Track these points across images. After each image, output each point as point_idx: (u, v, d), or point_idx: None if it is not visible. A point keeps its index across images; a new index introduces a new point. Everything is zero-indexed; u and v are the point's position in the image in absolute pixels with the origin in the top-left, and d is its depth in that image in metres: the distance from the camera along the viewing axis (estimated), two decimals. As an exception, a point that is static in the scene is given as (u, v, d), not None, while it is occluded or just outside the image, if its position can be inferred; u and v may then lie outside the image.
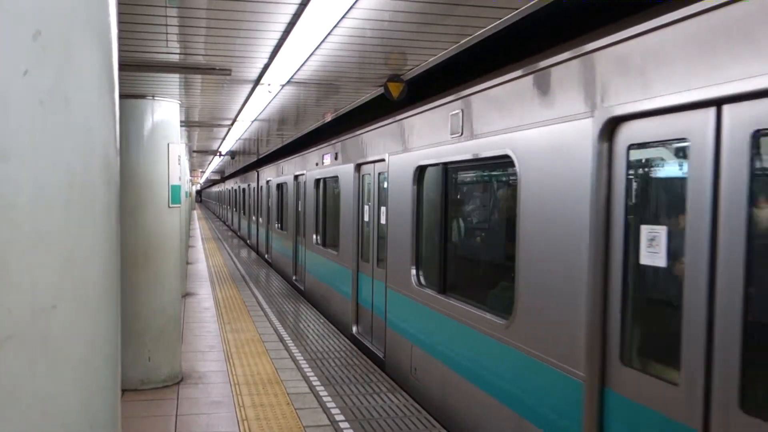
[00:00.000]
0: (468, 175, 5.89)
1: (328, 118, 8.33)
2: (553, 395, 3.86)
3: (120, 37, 4.49)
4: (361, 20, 3.97)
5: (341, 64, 5.26)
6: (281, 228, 14.93)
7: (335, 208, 9.48)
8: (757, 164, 2.60)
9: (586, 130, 3.52)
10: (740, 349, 2.62)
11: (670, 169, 3.22)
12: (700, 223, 2.84)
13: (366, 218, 8.02)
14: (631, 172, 3.32)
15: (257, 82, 5.96)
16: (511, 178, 4.70)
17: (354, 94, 6.76)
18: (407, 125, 6.38)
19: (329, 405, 5.84)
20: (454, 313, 5.29)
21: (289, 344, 8.11)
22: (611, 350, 3.36)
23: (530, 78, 4.12)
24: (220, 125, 10.02)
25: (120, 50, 4.84)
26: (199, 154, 18.70)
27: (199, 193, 79.87)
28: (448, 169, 5.68)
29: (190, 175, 29.39)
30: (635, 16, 3.23)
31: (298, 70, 5.37)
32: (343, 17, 3.85)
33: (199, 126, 10.37)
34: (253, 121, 9.26)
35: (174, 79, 5.88)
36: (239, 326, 9.17)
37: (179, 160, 6.65)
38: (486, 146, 4.73)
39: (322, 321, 9.56)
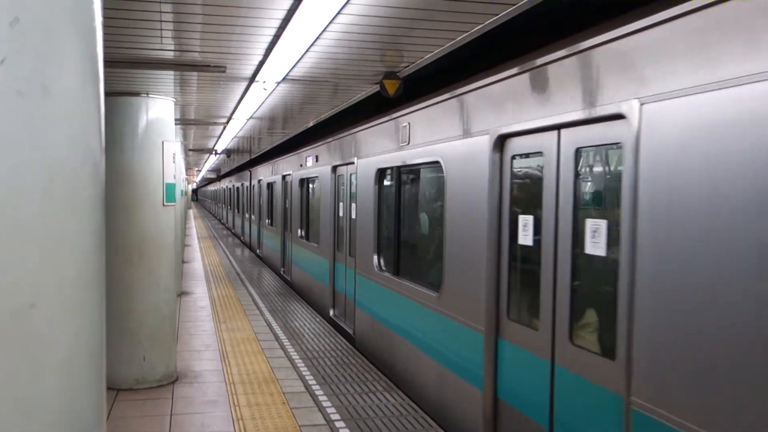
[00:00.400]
0: (412, 177, 6.92)
1: (311, 123, 8.93)
2: (465, 347, 5.11)
3: (114, 34, 4.45)
4: (356, 16, 3.93)
5: (337, 62, 5.22)
6: (271, 224, 16.32)
7: (316, 205, 10.73)
8: (579, 168, 3.83)
9: (485, 143, 4.67)
10: (569, 305, 3.84)
11: (535, 172, 4.32)
12: (549, 212, 4.00)
13: (341, 214, 9.13)
14: (514, 174, 4.52)
15: (252, 79, 5.91)
16: (441, 180, 5.61)
17: (350, 92, 6.72)
18: (372, 133, 7.52)
19: (325, 404, 5.81)
20: (404, 290, 6.52)
21: (284, 343, 8.08)
22: (501, 309, 4.61)
23: (453, 101, 5.27)
24: (215, 123, 9.97)
25: (114, 47, 4.81)
26: (195, 152, 18.63)
27: (195, 191, 79.73)
28: (400, 171, 6.87)
29: (186, 174, 29.34)
30: (526, 59, 4.24)
31: (294, 67, 5.33)
32: (338, 13, 3.81)
33: (195, 124, 10.32)
34: (248, 120, 9.22)
35: (169, 77, 5.83)
36: (235, 325, 9.13)
37: (174, 158, 6.61)
38: (425, 153, 5.87)
39: (318, 320, 9.53)
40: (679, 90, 2.92)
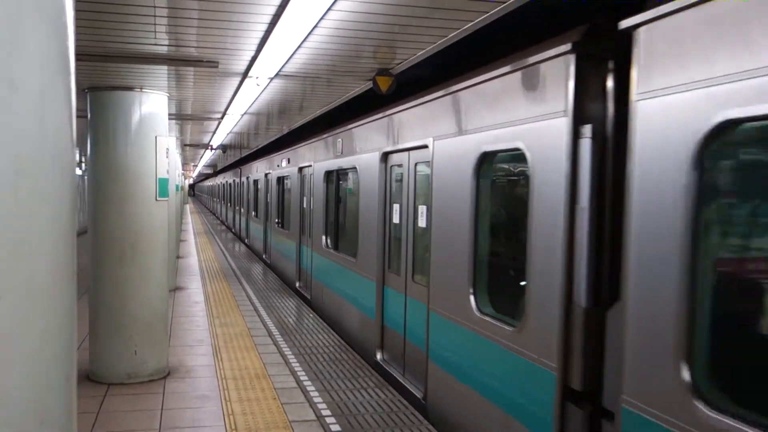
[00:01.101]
0: (343, 178, 9.26)
1: (304, 120, 9.89)
2: (368, 294, 7.41)
3: (107, 28, 4.44)
4: (348, 12, 3.93)
5: (329, 58, 5.22)
6: (256, 216, 18.86)
7: (288, 199, 13.14)
8: (417, 174, 6.21)
9: (377, 157, 7.14)
10: (413, 258, 6.27)
11: (400, 176, 6.71)
12: (408, 202, 6.42)
13: (305, 206, 11.34)
14: (393, 179, 6.92)
15: (245, 74, 5.91)
16: (357, 181, 7.93)
17: (343, 89, 6.72)
18: (323, 144, 9.85)
19: (316, 400, 5.82)
20: (339, 260, 8.89)
21: (277, 339, 8.09)
22: (386, 266, 7.06)
23: (366, 125, 7.61)
24: (210, 119, 9.95)
25: (107, 41, 4.80)
26: (191, 147, 18.61)
27: (192, 187, 79.59)
28: (338, 173, 9.32)
29: (183, 169, 29.26)
30: (416, 95, 6.03)
31: (286, 63, 5.33)
32: (329, 9, 3.81)
33: (191, 119, 10.30)
34: (242, 115, 9.21)
35: (162, 71, 5.82)
36: (228, 320, 9.14)
37: (167, 152, 6.60)
38: (349, 162, 8.31)
39: (312, 315, 9.54)
40: (443, 135, 5.37)
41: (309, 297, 10.67)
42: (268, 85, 6.40)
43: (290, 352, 7.44)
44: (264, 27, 4.25)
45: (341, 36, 4.51)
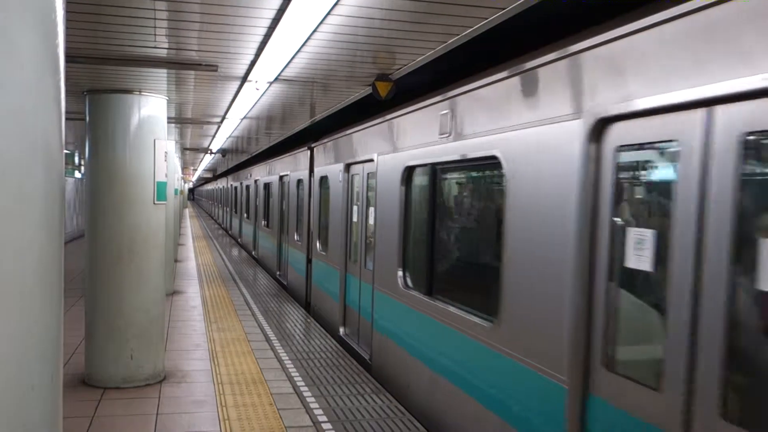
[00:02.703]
0: (301, 185, 11.65)
1: (302, 125, 10.23)
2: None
3: (107, 31, 4.42)
4: (347, 17, 3.92)
5: (329, 62, 5.20)
6: (247, 217, 21.37)
7: (272, 202, 15.39)
8: (365, 182, 7.79)
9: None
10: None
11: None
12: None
13: (284, 207, 13.78)
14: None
15: (244, 78, 5.89)
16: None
17: (342, 94, 6.71)
18: (290, 158, 12.80)
19: (313, 406, 5.79)
20: (294, 247, 12.14)
21: (275, 344, 8.06)
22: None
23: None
24: (209, 123, 9.94)
25: (107, 44, 4.79)
26: (191, 151, 18.60)
27: (191, 191, 79.56)
28: (301, 180, 11.62)
29: (182, 173, 29.23)
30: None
31: (285, 67, 5.32)
32: (328, 14, 3.80)
33: (191, 123, 10.29)
34: (241, 120, 9.20)
35: (162, 75, 5.81)
36: (225, 325, 9.10)
37: (166, 156, 6.58)
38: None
39: (310, 320, 9.51)
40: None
41: (286, 284, 13.34)
42: (267, 89, 6.39)
43: (287, 358, 7.40)
44: (263, 31, 4.24)
45: (340, 41, 4.50)
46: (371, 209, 7.32)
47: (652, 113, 2.95)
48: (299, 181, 11.74)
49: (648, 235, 3.01)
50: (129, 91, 6.32)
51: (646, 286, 3.14)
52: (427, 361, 5.54)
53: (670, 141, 2.87)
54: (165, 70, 5.60)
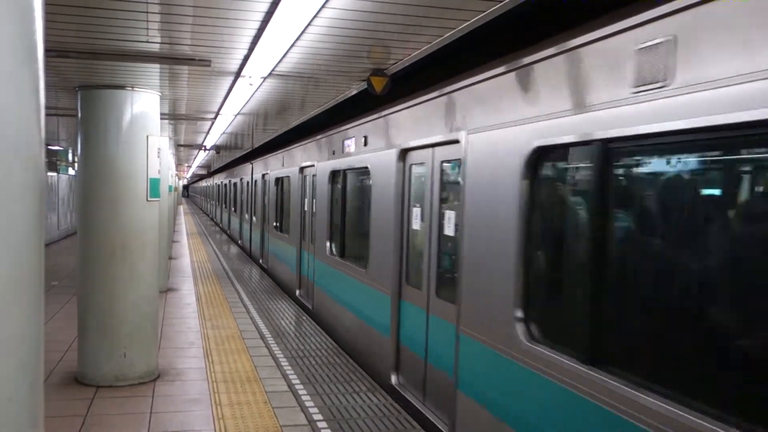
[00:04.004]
0: (287, 182, 12.82)
1: (298, 121, 10.36)
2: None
3: (99, 25, 4.36)
4: (341, 10, 3.86)
5: (323, 57, 5.14)
6: (235, 211, 23.66)
7: (260, 197, 16.83)
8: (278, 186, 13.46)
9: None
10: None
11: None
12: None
13: (266, 201, 15.36)
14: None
15: (238, 74, 5.83)
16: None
17: (337, 89, 6.65)
18: (273, 159, 14.21)
19: (308, 404, 5.74)
20: (281, 239, 13.21)
21: (269, 342, 8.01)
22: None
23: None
24: (203, 119, 9.87)
25: (98, 39, 4.72)
26: (185, 148, 18.50)
27: (186, 187, 79.38)
28: (282, 180, 13.29)
29: (176, 170, 29.14)
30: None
31: (279, 62, 5.25)
32: (322, 7, 3.74)
33: (185, 119, 10.21)
34: (236, 115, 9.13)
35: (154, 70, 5.74)
36: (220, 323, 9.05)
37: (159, 152, 6.52)
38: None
39: (305, 317, 9.47)
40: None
41: (267, 267, 15.21)
42: (261, 84, 6.32)
43: (282, 356, 7.35)
44: (256, 25, 4.18)
45: (335, 35, 4.44)
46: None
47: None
48: (277, 180, 14.24)
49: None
50: (121, 87, 6.25)
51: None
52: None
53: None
54: (158, 65, 5.53)
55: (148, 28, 4.42)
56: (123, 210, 6.21)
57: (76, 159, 19.39)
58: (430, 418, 5.32)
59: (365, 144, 7.26)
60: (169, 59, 5.26)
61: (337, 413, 5.55)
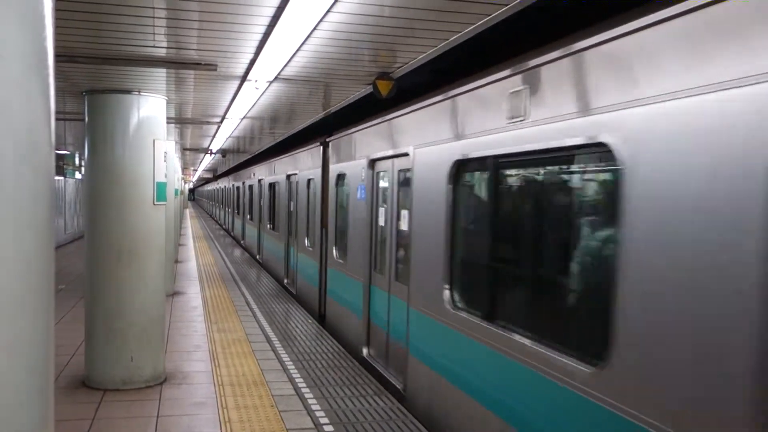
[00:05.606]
0: (277, 187, 14.65)
1: (303, 124, 10.47)
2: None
3: (106, 30, 4.38)
4: (347, 15, 3.87)
5: (329, 61, 5.16)
6: (238, 214, 25.37)
7: (257, 199, 18.56)
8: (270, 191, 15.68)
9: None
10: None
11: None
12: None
13: (261, 203, 17.19)
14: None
15: (244, 78, 5.84)
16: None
17: (343, 92, 6.66)
18: (267, 166, 15.88)
19: (314, 407, 5.74)
20: (272, 235, 15.33)
21: (276, 345, 8.01)
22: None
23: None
24: (209, 123, 9.90)
25: (106, 44, 4.74)
26: (191, 151, 18.56)
27: (192, 191, 79.59)
28: (272, 185, 15.08)
29: (183, 173, 29.21)
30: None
31: (285, 66, 5.27)
32: (328, 11, 3.75)
33: (191, 123, 10.24)
34: (241, 119, 9.15)
35: (161, 74, 5.76)
36: (226, 326, 9.06)
37: (165, 156, 6.54)
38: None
39: (311, 321, 9.47)
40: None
41: (261, 261, 17.23)
42: (267, 88, 6.34)
43: (288, 359, 7.36)
44: (262, 29, 4.20)
45: (340, 39, 4.45)
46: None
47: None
48: (271, 185, 16.01)
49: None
50: (128, 91, 6.28)
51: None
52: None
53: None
54: (164, 70, 5.55)
55: (154, 33, 4.44)
56: (130, 214, 6.23)
57: (83, 163, 19.51)
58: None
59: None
60: (176, 64, 5.28)
61: (344, 417, 5.54)
